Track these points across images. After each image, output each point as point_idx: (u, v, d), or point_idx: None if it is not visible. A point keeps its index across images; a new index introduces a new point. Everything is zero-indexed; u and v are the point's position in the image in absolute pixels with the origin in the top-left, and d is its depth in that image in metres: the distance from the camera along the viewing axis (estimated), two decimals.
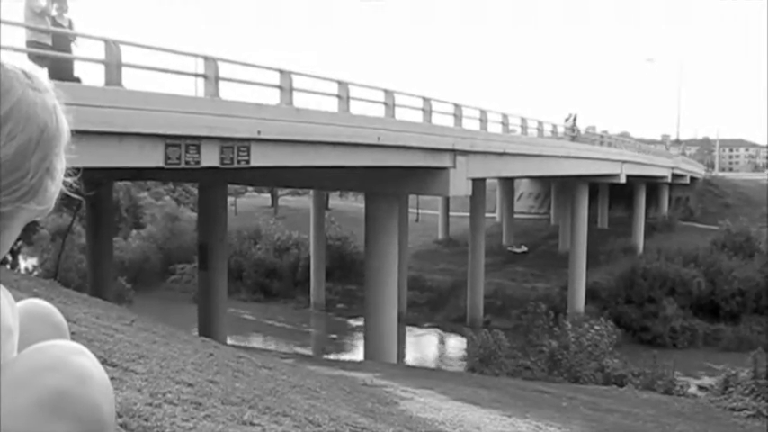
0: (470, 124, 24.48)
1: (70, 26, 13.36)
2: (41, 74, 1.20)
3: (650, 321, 37.56)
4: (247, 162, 14.40)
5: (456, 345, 36.35)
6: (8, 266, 29.57)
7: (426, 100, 21.49)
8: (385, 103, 19.67)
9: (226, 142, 13.81)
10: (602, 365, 22.32)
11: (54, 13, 13.08)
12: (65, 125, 1.19)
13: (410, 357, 33.22)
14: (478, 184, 33.89)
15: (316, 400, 7.25)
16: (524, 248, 50.68)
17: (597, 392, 17.10)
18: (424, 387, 11.85)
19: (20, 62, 1.18)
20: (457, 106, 23.38)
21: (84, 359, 1.08)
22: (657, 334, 36.79)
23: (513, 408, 11.37)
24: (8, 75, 1.12)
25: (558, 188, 53.82)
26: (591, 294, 39.18)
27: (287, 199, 67.32)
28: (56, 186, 1.19)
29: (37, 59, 11.94)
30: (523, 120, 30.67)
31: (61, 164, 1.19)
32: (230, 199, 46.86)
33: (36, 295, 6.52)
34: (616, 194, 52.12)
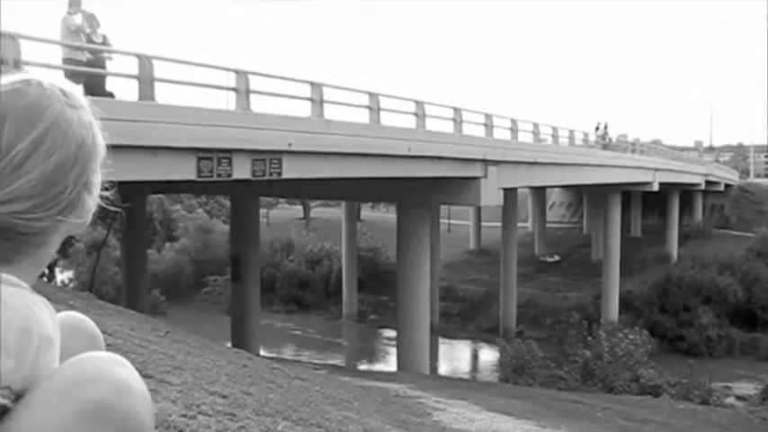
0: (501, 134, 24.45)
1: (104, 42, 13.55)
2: (77, 91, 1.23)
3: (685, 330, 37.13)
4: (279, 174, 14.46)
5: (489, 355, 36.23)
6: (45, 279, 29.89)
7: (457, 110, 21.48)
8: (416, 114, 19.69)
9: (257, 155, 13.88)
10: (636, 375, 22.13)
11: (88, 30, 13.27)
12: (101, 141, 1.23)
13: (443, 368, 33.11)
14: (510, 193, 33.77)
15: (349, 412, 7.26)
16: (557, 258, 50.38)
17: (632, 403, 16.94)
18: (458, 398, 11.81)
19: (57, 79, 1.21)
20: (488, 116, 23.34)
21: (124, 370, 1.10)
22: (693, 343, 36.37)
23: (546, 418, 11.31)
24: (46, 93, 1.16)
25: (590, 197, 53.46)
26: (624, 303, 38.83)
27: (319, 210, 67.48)
28: (93, 200, 1.22)
29: (72, 76, 12.09)
30: (554, 129, 30.56)
31: (98, 178, 1.23)
32: (262, 211, 47.08)
33: (72, 307, 6.60)
34: (649, 202, 51.70)
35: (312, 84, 16.07)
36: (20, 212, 1.12)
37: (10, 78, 1.17)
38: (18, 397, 1.06)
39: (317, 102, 15.93)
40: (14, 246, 1.14)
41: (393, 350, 28.73)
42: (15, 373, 1.04)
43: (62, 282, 42.62)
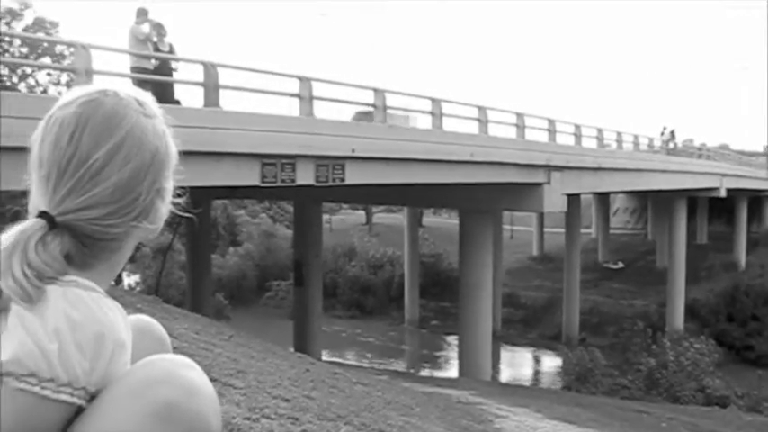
0: (564, 139, 24.24)
1: (171, 50, 13.83)
2: (151, 100, 1.27)
3: (754, 340, 36.17)
4: (342, 180, 14.53)
5: (551, 362, 35.86)
6: (113, 283, 30.38)
7: (520, 115, 21.38)
8: (478, 120, 19.64)
9: (321, 160, 13.97)
10: (702, 385, 21.73)
11: (155, 39, 13.56)
12: (173, 149, 1.27)
13: (505, 375, 32.91)
14: (574, 199, 33.45)
15: (410, 417, 7.26)
16: (621, 264, 49.70)
17: (698, 413, 16.63)
18: (520, 405, 11.73)
19: (132, 89, 1.26)
20: (551, 121, 23.18)
21: (193, 372, 1.13)
22: (762, 353, 35.42)
23: (610, 427, 11.18)
24: (122, 103, 1.20)
25: (654, 203, 52.64)
26: (690, 312, 38.05)
27: (381, 216, 67.57)
28: (166, 206, 1.27)
29: (140, 84, 12.34)
30: (618, 134, 30.23)
31: (170, 185, 1.27)
32: (325, 216, 47.29)
33: (140, 311, 6.73)
34: (716, 208, 50.67)
35: (375, 90, 16.15)
36: (97, 219, 1.16)
37: (88, 89, 1.22)
38: (92, 398, 1.10)
39: (380, 108, 16.00)
40: (92, 251, 1.18)
41: (455, 356, 28.64)
42: (90, 375, 1.08)
43: (129, 285, 43.37)
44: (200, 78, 12.62)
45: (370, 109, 16.82)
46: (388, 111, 17.09)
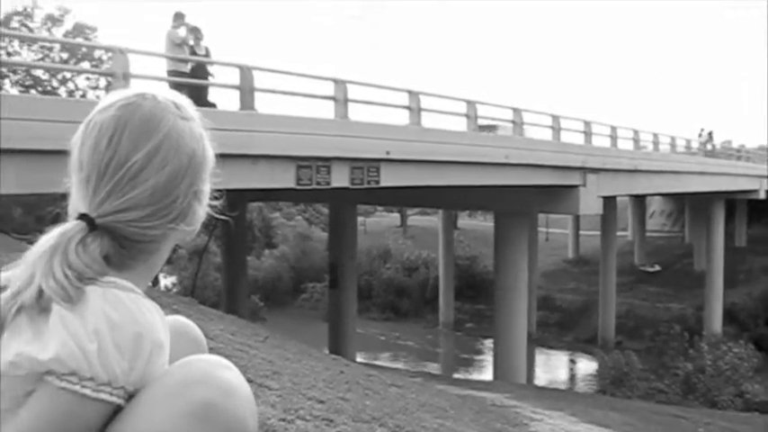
0: (600, 141, 24.09)
1: (207, 54, 13.95)
2: (189, 103, 1.29)
3: None
4: (377, 182, 14.55)
5: (586, 366, 35.61)
6: (150, 284, 30.60)
7: (555, 117, 21.27)
8: (513, 122, 19.58)
9: (355, 163, 14.00)
10: (741, 390, 21.43)
11: (191, 42, 13.68)
12: (210, 152, 1.28)
13: (540, 378, 32.72)
14: (610, 201, 33.17)
15: (445, 420, 7.24)
16: (657, 267, 49.18)
17: (737, 419, 16.41)
18: (554, 408, 11.65)
19: (170, 92, 1.27)
20: (586, 123, 23.05)
21: (230, 373, 1.14)
22: None
23: None
24: (160, 106, 1.22)
25: (692, 205, 51.97)
26: (729, 316, 37.53)
27: (416, 219, 67.43)
28: (203, 209, 1.28)
29: (176, 87, 12.45)
30: (655, 135, 29.96)
31: (207, 187, 1.28)
32: (360, 218, 47.33)
33: (176, 311, 6.77)
34: (756, 210, 49.96)
35: (410, 92, 16.15)
36: (135, 221, 1.18)
37: (126, 92, 1.24)
38: (130, 397, 1.11)
39: (415, 110, 16.00)
40: (130, 253, 1.20)
41: (489, 359, 28.57)
42: (129, 375, 1.10)
43: (165, 287, 43.69)
44: (236, 81, 12.71)
45: (491, 122, 17.02)
46: (501, 123, 17.38)
